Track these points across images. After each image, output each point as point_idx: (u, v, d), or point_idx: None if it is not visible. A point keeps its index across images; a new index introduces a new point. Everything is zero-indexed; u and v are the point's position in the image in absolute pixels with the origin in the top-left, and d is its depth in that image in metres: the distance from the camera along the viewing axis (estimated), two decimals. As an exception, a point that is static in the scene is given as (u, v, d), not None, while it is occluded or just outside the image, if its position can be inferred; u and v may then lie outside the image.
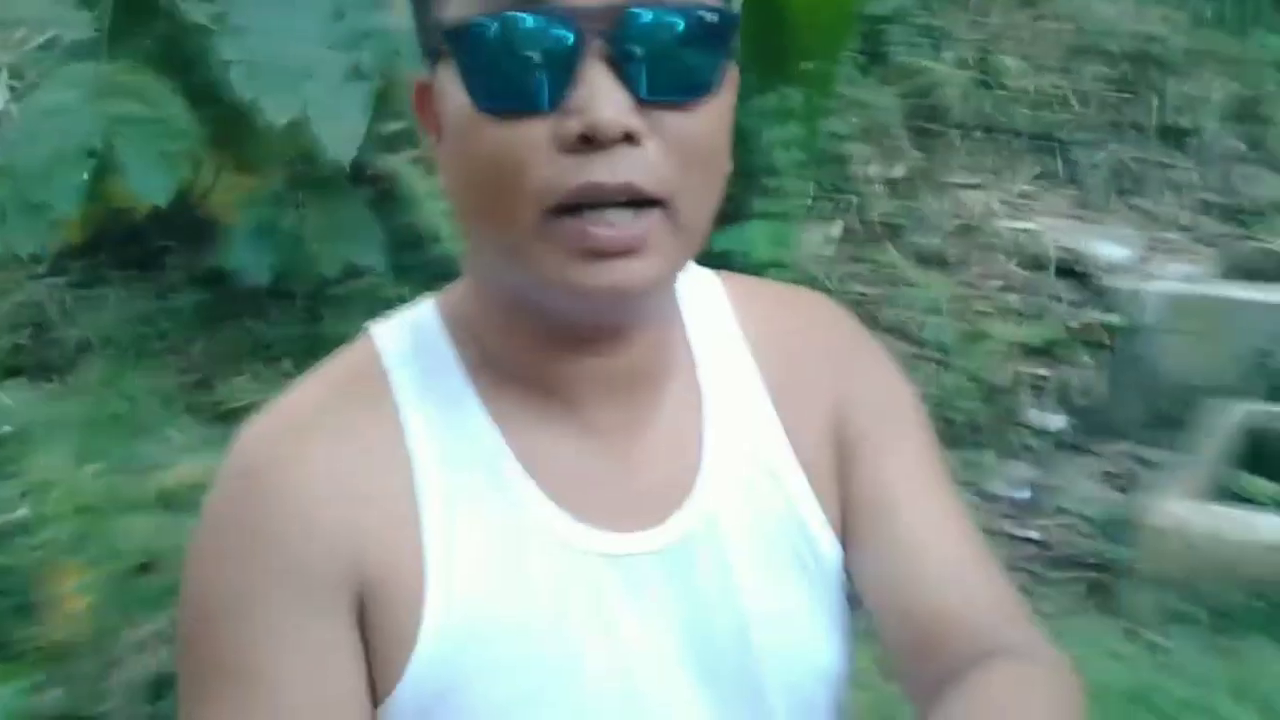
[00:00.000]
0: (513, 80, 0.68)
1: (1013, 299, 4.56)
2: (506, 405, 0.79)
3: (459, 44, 0.70)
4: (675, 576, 0.80)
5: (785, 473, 0.86)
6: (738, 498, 0.83)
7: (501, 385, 0.79)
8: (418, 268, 3.91)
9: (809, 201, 3.93)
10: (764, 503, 0.85)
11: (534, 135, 0.69)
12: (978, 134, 5.12)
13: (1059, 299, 4.75)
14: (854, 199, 4.50)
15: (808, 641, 0.85)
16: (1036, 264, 4.80)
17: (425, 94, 0.78)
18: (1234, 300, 4.73)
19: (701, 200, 0.74)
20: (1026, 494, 4.29)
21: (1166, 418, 4.73)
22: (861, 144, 4.51)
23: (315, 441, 0.76)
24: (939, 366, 4.13)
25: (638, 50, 0.68)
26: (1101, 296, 4.83)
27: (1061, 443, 4.57)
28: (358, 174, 3.71)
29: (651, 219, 0.70)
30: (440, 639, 0.74)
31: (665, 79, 0.69)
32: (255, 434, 0.79)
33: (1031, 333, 4.58)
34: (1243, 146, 6.02)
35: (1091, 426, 4.74)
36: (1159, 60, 5.80)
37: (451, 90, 0.72)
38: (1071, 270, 4.88)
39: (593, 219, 0.69)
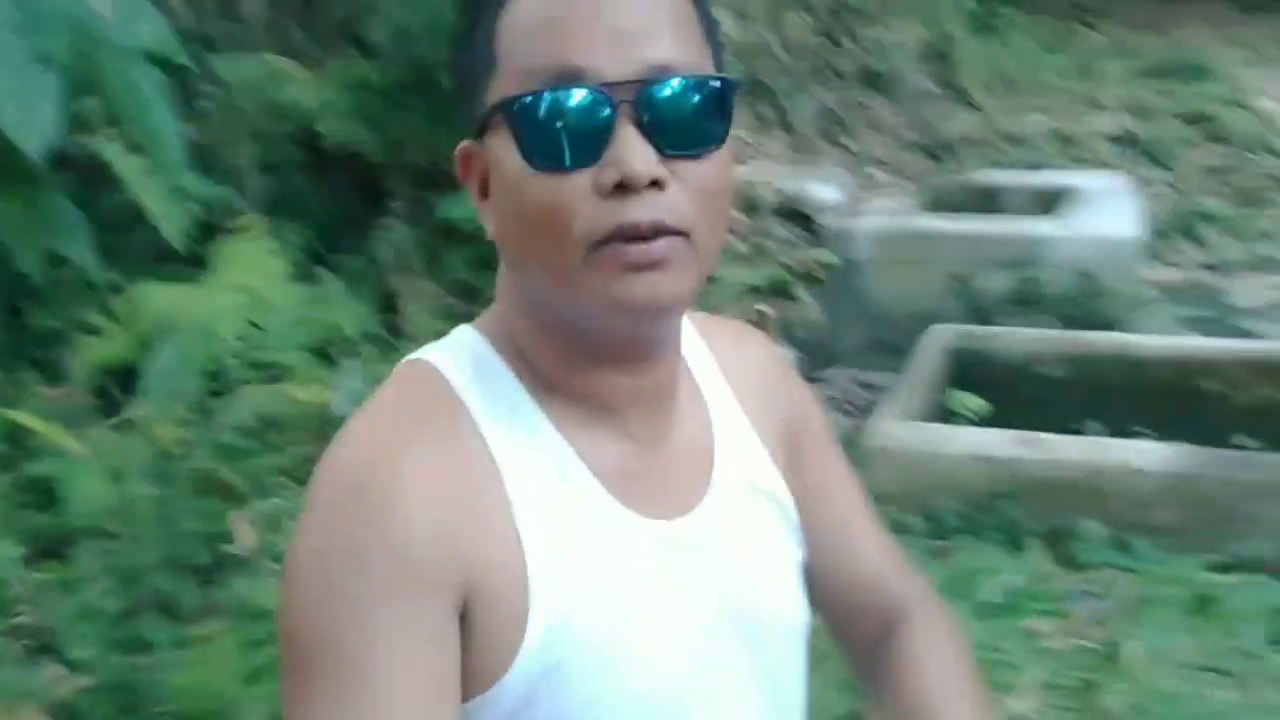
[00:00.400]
0: (560, 143, 0.84)
1: (737, 243, 4.79)
2: (562, 416, 0.93)
3: (514, 116, 0.85)
4: (705, 556, 0.97)
5: (769, 473, 1.06)
6: (742, 493, 1.02)
7: (555, 400, 0.93)
8: (130, 250, 3.80)
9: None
10: (759, 497, 1.05)
11: (578, 186, 0.84)
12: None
13: (779, 240, 5.03)
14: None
15: (796, 601, 1.06)
16: (756, 208, 5.07)
17: (469, 160, 0.93)
18: (934, 231, 5.14)
19: (715, 231, 0.90)
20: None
21: (883, 344, 5.11)
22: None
23: (412, 454, 0.86)
24: None
25: (659, 115, 0.85)
26: (817, 235, 5.14)
27: (790, 374, 4.87)
28: (60, 161, 3.56)
29: (675, 243, 0.86)
30: (547, 628, 0.86)
31: (682, 136, 0.86)
32: (350, 451, 0.88)
33: (756, 274, 4.85)
34: (934, 86, 6.51)
35: (817, 357, 5.07)
36: (855, 9, 6.14)
37: (505, 154, 0.87)
38: (791, 212, 5.17)
39: (628, 245, 0.85)
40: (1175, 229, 6.80)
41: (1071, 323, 4.85)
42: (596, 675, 0.88)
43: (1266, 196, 7.04)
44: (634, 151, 0.83)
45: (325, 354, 3.59)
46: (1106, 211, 5.30)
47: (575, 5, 0.85)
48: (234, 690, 2.26)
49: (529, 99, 0.84)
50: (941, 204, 5.86)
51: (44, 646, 2.51)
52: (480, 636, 0.85)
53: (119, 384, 3.53)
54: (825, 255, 5.03)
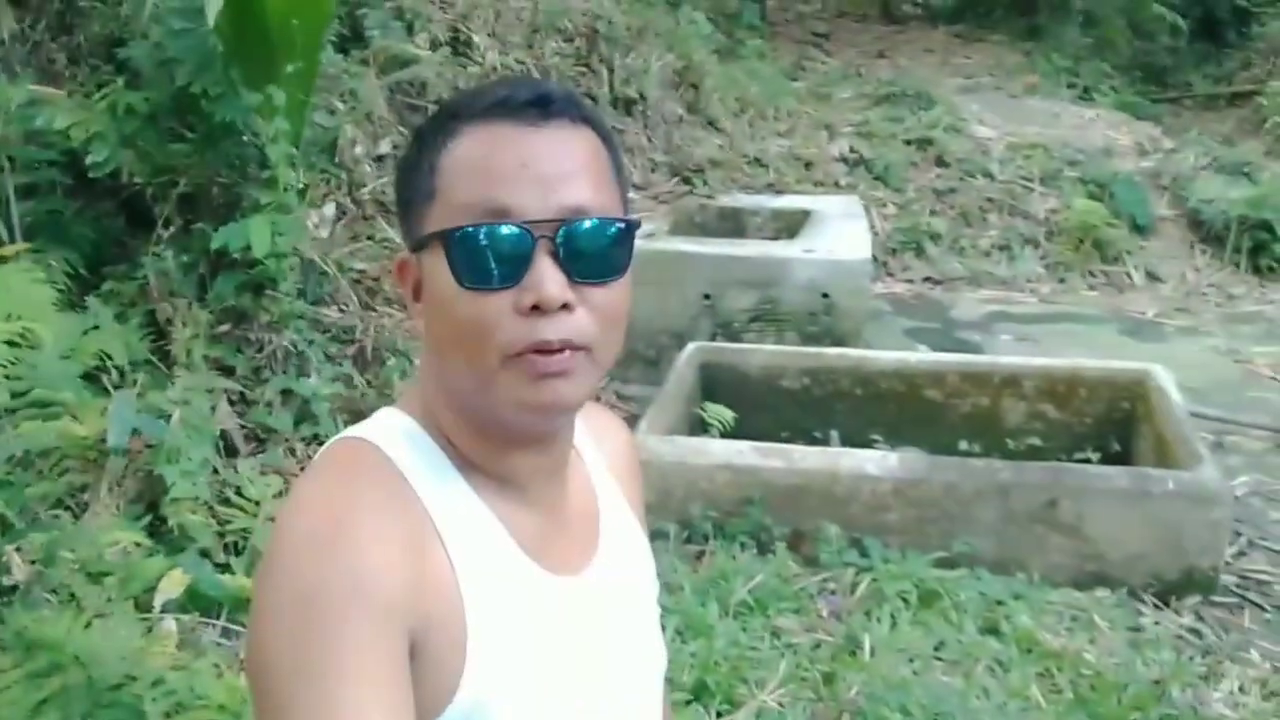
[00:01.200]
0: (487, 267, 0.99)
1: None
2: (482, 487, 1.07)
3: (450, 244, 0.99)
4: (594, 604, 1.12)
5: (638, 534, 1.25)
6: (621, 550, 1.19)
7: (474, 473, 1.07)
8: None
9: (300, 188, 4.03)
10: (633, 553, 1.22)
11: (500, 304, 0.99)
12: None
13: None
14: (344, 180, 4.65)
15: (662, 644, 1.25)
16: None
17: (405, 269, 1.08)
18: (685, 253, 5.40)
19: (612, 345, 1.05)
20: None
21: (640, 358, 5.34)
22: (349, 126, 4.64)
23: (370, 510, 0.97)
24: None
25: (572, 248, 0.99)
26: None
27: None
28: None
29: (578, 356, 1.00)
30: (481, 669, 0.99)
31: (590, 267, 1.01)
32: (311, 508, 0.98)
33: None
34: (684, 112, 6.78)
35: (576, 373, 5.24)
36: (610, 37, 6.34)
37: (439, 272, 1.01)
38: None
39: (538, 356, 0.99)
40: (904, 246, 7.32)
41: (811, 339, 5.20)
42: (521, 708, 1.02)
43: (984, 216, 7.65)
44: (549, 278, 0.98)
45: (97, 383, 3.53)
46: (841, 234, 5.68)
47: (507, 153, 1.00)
48: (20, 724, 2.25)
49: (463, 231, 0.99)
50: (691, 226, 6.16)
51: None
52: (422, 677, 0.96)
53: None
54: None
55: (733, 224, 6.23)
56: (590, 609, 1.11)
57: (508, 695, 1.00)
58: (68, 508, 3.31)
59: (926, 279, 7.18)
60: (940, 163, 8.01)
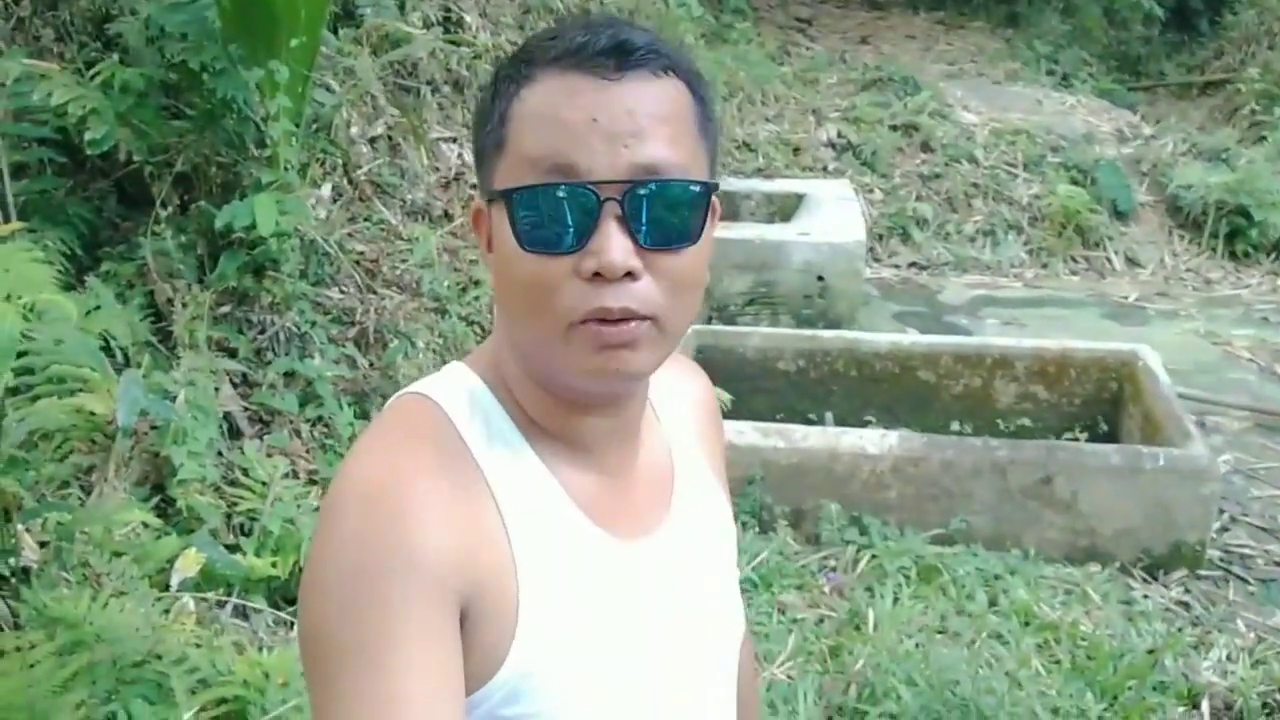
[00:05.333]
0: (549, 230, 0.94)
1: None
2: (545, 450, 1.04)
3: (512, 203, 0.95)
4: (666, 568, 1.09)
5: (718, 498, 1.21)
6: (696, 515, 1.15)
7: (539, 435, 1.04)
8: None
9: (299, 168, 4.00)
10: (710, 518, 1.18)
11: (561, 268, 0.94)
12: (447, 89, 5.40)
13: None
14: (339, 161, 4.63)
15: (739, 611, 1.20)
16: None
17: (481, 218, 1.04)
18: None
19: (684, 315, 1.00)
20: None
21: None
22: (345, 106, 4.62)
23: (423, 478, 0.95)
24: (438, 315, 4.38)
25: (640, 212, 0.94)
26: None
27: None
28: None
29: (643, 326, 0.95)
30: (531, 634, 0.97)
31: (660, 233, 0.95)
32: (366, 475, 0.95)
33: (515, 276, 4.95)
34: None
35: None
36: (601, 18, 6.33)
37: (503, 230, 0.97)
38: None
39: (602, 325, 0.95)
40: (890, 231, 7.38)
41: (806, 321, 5.25)
42: (572, 680, 0.99)
43: (969, 202, 7.71)
44: (613, 244, 0.92)
45: (102, 364, 3.51)
46: (835, 217, 5.74)
47: (577, 106, 0.93)
48: (46, 700, 2.24)
49: (526, 191, 0.94)
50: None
51: None
52: (473, 642, 0.95)
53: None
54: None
55: (726, 207, 6.25)
56: (658, 573, 1.08)
57: (560, 662, 0.98)
58: (76, 488, 3.30)
59: (913, 264, 7.24)
60: (926, 148, 8.06)
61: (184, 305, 3.86)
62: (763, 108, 7.97)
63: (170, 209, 3.93)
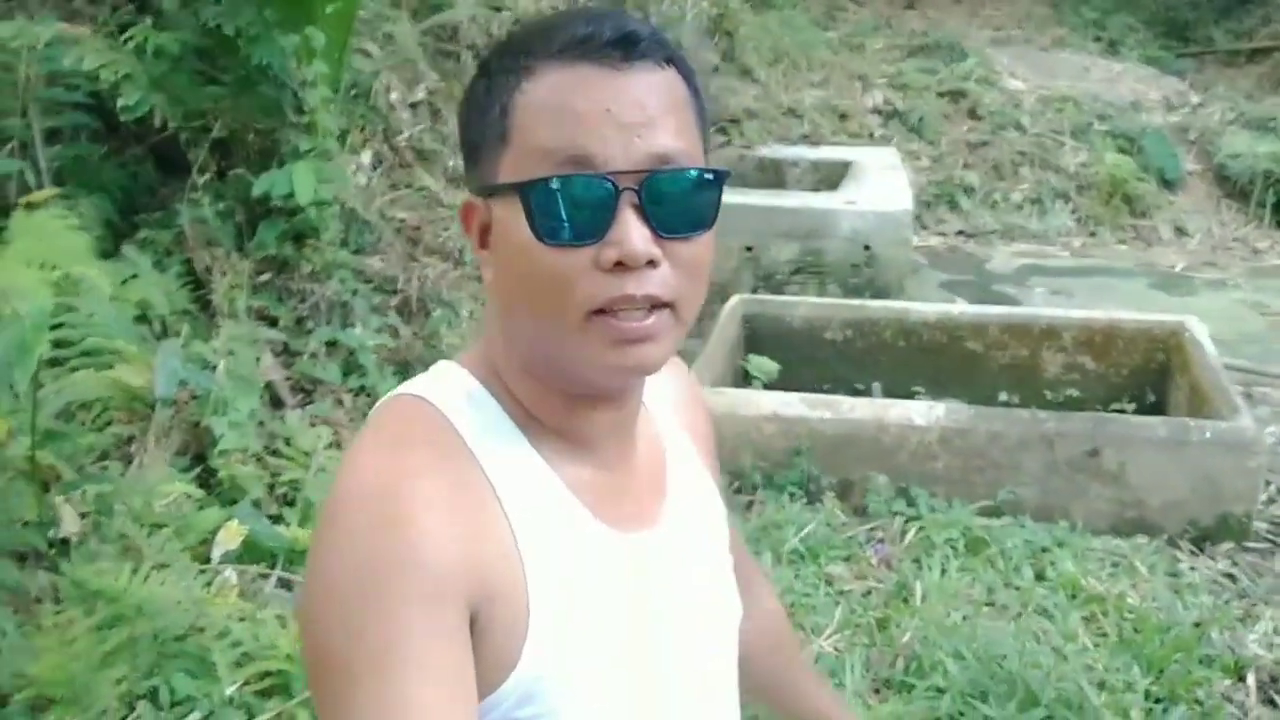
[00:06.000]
0: (569, 223, 0.92)
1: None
2: (546, 446, 1.02)
3: (529, 196, 0.92)
4: (667, 558, 1.08)
5: (708, 484, 1.20)
6: (690, 503, 1.14)
7: (540, 431, 1.02)
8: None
9: (339, 135, 3.97)
10: (703, 505, 1.17)
11: (581, 259, 0.92)
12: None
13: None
14: (380, 127, 4.59)
15: (735, 594, 1.19)
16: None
17: (472, 212, 1.01)
18: (724, 205, 5.32)
19: (696, 300, 0.99)
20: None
21: (678, 310, 5.32)
22: (384, 71, 4.58)
23: (425, 477, 0.92)
24: (481, 284, 4.32)
25: (658, 201, 0.93)
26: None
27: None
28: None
29: (662, 316, 0.95)
30: (543, 633, 0.95)
31: (676, 221, 0.94)
32: (366, 476, 0.93)
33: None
34: (716, 60, 6.71)
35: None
36: (639, -18, 6.26)
37: (514, 223, 0.94)
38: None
39: (622, 317, 0.93)
40: (938, 199, 7.28)
41: (853, 290, 5.18)
42: (585, 677, 0.98)
43: (1015, 170, 7.60)
44: (634, 233, 0.92)
45: (140, 333, 3.49)
46: (882, 185, 5.65)
47: (589, 96, 0.93)
48: (87, 674, 2.24)
49: (544, 184, 0.92)
50: (731, 177, 6.09)
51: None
52: (485, 645, 0.92)
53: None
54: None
55: (772, 175, 6.19)
56: (660, 564, 1.07)
57: (573, 661, 0.97)
58: (115, 460, 3.29)
59: (960, 232, 7.15)
60: (973, 115, 7.95)
61: (223, 273, 3.84)
62: (809, 74, 7.85)
63: (208, 175, 3.89)
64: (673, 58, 0.98)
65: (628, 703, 1.01)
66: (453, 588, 0.90)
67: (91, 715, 2.24)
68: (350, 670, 0.86)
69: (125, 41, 3.75)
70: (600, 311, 0.93)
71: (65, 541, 2.74)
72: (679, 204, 0.94)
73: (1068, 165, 7.70)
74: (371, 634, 0.86)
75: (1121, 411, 4.36)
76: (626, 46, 0.94)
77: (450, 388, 1.02)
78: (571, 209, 0.92)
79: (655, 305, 0.94)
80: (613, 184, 0.92)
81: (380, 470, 0.93)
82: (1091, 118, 8.15)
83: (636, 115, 0.93)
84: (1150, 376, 4.56)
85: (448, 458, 0.96)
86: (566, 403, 1.02)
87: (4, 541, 2.51)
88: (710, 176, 0.97)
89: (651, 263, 0.93)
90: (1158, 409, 4.40)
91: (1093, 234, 7.35)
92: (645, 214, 0.93)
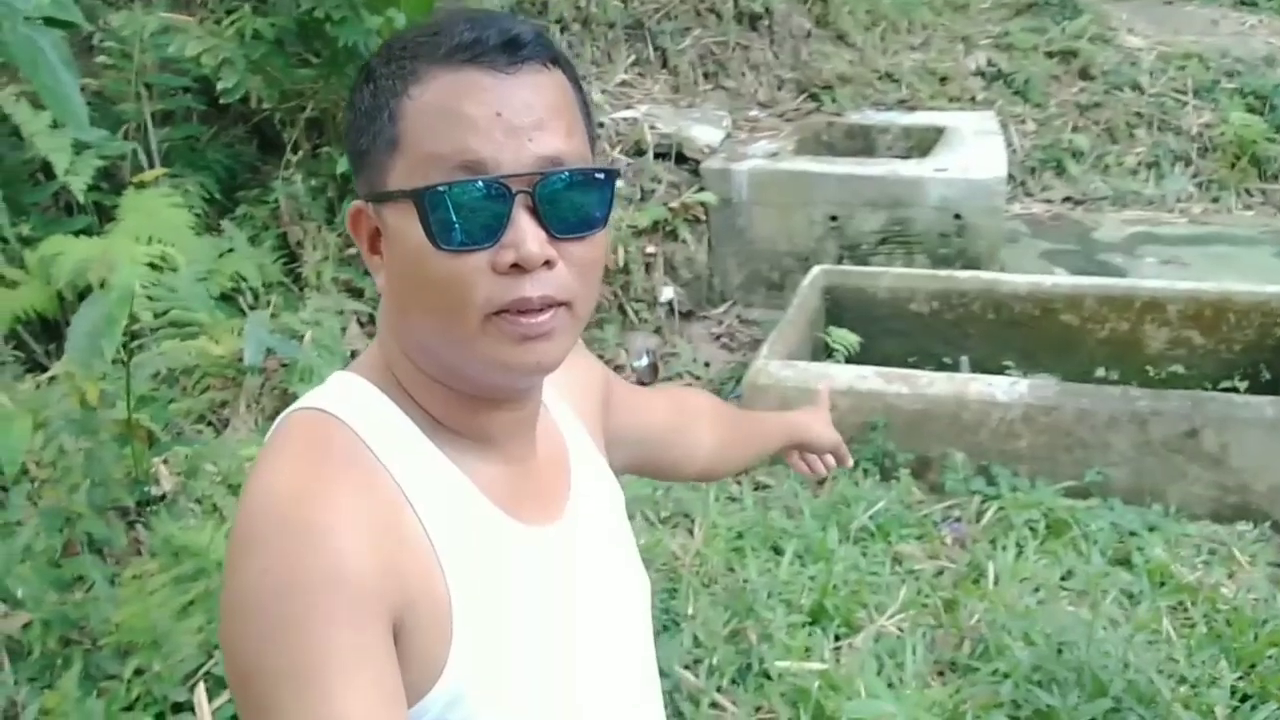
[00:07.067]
0: (463, 227, 0.94)
1: (620, 184, 4.87)
2: (452, 448, 1.04)
3: (421, 202, 0.94)
4: (578, 548, 1.11)
5: (603, 465, 1.24)
6: (591, 490, 1.18)
7: (444, 434, 1.04)
8: (36, 203, 3.81)
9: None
10: (602, 489, 1.21)
11: (477, 263, 0.94)
12: (576, 27, 5.35)
13: (660, 180, 5.13)
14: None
15: (643, 571, 1.24)
16: (639, 150, 5.16)
17: (361, 219, 1.02)
18: (810, 173, 5.27)
19: (591, 298, 1.02)
20: (644, 361, 4.69)
21: (763, 281, 5.29)
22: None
23: (336, 488, 0.93)
24: None
25: (551, 203, 0.95)
26: (697, 176, 5.25)
27: (674, 311, 5.01)
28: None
29: (559, 314, 0.98)
30: (467, 635, 0.96)
31: (570, 222, 0.97)
32: (275, 492, 0.93)
33: (642, 215, 4.95)
34: (812, 26, 6.59)
35: (698, 295, 5.22)
36: (732, -50, 6.17)
37: (407, 229, 0.96)
38: (673, 153, 5.27)
39: (521, 316, 0.96)
40: (1043, 164, 7.05)
41: (942, 261, 5.07)
42: (510, 674, 0.99)
43: (1130, 132, 7.32)
44: (529, 236, 0.94)
45: (234, 304, 3.64)
46: (976, 152, 5.50)
47: (478, 100, 0.94)
48: (167, 623, 2.37)
49: (437, 190, 0.93)
50: (817, 144, 6.01)
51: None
52: (410, 653, 0.93)
53: (36, 335, 3.56)
54: (706, 196, 5.14)
55: (861, 142, 6.06)
56: (574, 554, 1.10)
57: (498, 661, 0.98)
58: (210, 423, 3.45)
59: (1066, 199, 6.90)
60: (1085, 75, 7.64)
61: (313, 247, 3.96)
62: (908, 36, 7.64)
63: (301, 154, 4.04)
64: (557, 58, 1.00)
65: (554, 695, 1.04)
66: (375, 599, 0.90)
67: (172, 662, 2.38)
68: (277, 690, 0.86)
69: (228, 27, 3.92)
70: (498, 313, 0.95)
71: (157, 500, 2.89)
72: (572, 205, 0.97)
73: (1189, 126, 7.37)
74: (298, 652, 0.86)
75: (1234, 390, 4.18)
76: (512, 50, 0.96)
77: (351, 398, 1.03)
78: (466, 214, 0.94)
79: (552, 304, 0.97)
80: (506, 188, 0.94)
81: (293, 485, 0.93)
82: (1218, 75, 7.75)
83: (526, 118, 0.95)
84: (1266, 353, 4.36)
85: (356, 468, 0.97)
86: (468, 404, 1.04)
87: (97, 498, 2.65)
88: (601, 176, 1.00)
89: (547, 263, 0.95)
90: (1273, 388, 4.20)
91: (1215, 200, 7.03)
92: (539, 216, 0.95)
